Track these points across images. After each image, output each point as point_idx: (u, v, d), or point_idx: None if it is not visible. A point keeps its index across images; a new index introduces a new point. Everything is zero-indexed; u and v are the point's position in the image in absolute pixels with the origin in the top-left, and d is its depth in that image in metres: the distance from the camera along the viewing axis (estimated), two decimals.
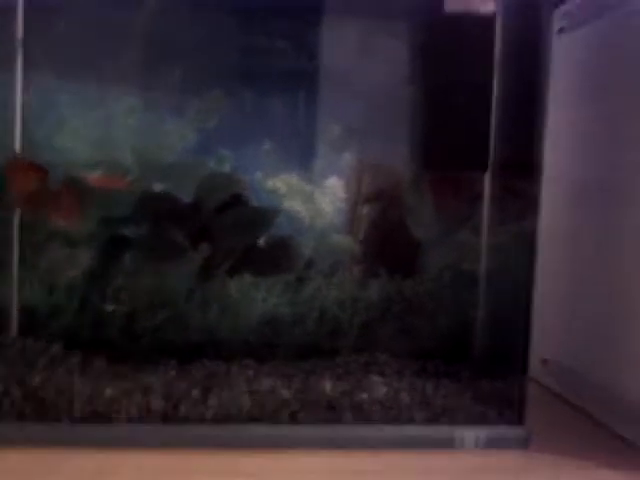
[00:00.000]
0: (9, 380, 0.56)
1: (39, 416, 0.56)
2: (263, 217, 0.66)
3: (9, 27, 0.63)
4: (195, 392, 0.57)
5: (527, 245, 0.58)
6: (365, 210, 0.67)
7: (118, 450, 0.54)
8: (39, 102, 0.64)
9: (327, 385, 0.58)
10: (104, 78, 0.64)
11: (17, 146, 0.64)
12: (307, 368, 0.61)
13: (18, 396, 0.56)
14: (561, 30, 0.74)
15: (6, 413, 0.55)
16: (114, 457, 0.53)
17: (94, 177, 0.65)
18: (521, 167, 0.59)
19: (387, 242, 0.68)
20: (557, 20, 0.74)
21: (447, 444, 0.57)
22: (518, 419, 0.58)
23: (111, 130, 0.65)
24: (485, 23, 0.62)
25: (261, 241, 0.66)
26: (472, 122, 0.64)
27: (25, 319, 0.64)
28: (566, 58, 0.71)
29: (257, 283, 0.65)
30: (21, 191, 0.62)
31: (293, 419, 0.57)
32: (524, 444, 0.57)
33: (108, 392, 0.56)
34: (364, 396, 0.58)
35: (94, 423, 0.56)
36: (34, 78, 0.64)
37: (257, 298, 0.65)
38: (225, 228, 0.65)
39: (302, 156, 0.67)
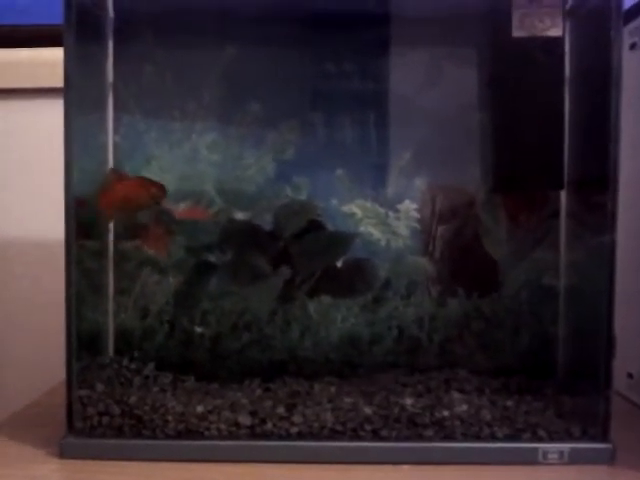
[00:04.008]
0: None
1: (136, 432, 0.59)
2: (340, 241, 0.68)
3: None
4: (280, 409, 0.59)
5: (606, 259, 0.57)
6: (441, 231, 0.68)
7: (208, 463, 0.57)
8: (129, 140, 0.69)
9: (408, 402, 0.59)
10: (186, 116, 0.68)
11: None
12: (388, 385, 0.63)
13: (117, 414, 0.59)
14: (633, 46, 0.74)
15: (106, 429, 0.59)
16: (205, 470, 0.56)
17: (181, 209, 0.69)
18: (597, 183, 0.59)
19: (465, 261, 0.68)
20: (629, 36, 0.74)
21: (530, 459, 0.57)
22: (603, 434, 0.57)
23: (195, 164, 0.69)
24: (555, 43, 0.63)
25: (339, 264, 0.68)
26: (547, 141, 0.64)
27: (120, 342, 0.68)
28: (639, 74, 0.71)
29: (337, 304, 0.67)
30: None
31: (375, 435, 0.58)
32: (609, 459, 0.56)
33: (199, 409, 0.59)
34: (445, 413, 0.59)
35: (186, 439, 0.58)
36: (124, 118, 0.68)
37: (337, 318, 0.67)
38: (304, 252, 0.67)
39: (376, 181, 0.69)
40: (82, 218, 0.60)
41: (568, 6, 0.63)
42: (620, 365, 0.69)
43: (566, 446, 0.57)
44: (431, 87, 0.68)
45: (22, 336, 0.94)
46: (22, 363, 0.92)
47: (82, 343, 0.60)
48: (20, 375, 0.75)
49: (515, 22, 0.62)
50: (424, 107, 0.68)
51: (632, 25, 0.73)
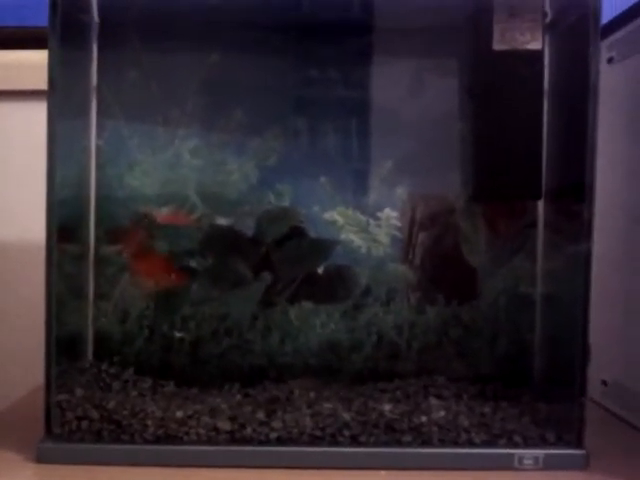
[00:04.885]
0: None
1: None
2: (322, 248, 0.69)
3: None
4: (260, 414, 0.59)
5: (582, 267, 0.58)
6: (421, 239, 0.69)
7: (188, 468, 0.57)
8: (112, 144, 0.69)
9: (386, 407, 0.60)
10: (170, 121, 0.68)
11: (92, 186, 0.69)
12: (366, 391, 0.63)
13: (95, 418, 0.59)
14: (610, 60, 0.75)
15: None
16: (184, 475, 0.56)
17: (163, 214, 0.69)
18: (574, 193, 0.60)
19: (445, 269, 0.69)
20: (606, 50, 0.75)
21: (506, 465, 0.57)
22: (577, 440, 0.58)
23: (178, 170, 0.69)
24: (535, 56, 0.64)
25: (320, 270, 0.68)
26: (526, 152, 0.65)
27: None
28: (616, 87, 0.72)
29: (317, 310, 0.67)
30: None
31: (353, 440, 0.59)
32: (583, 465, 0.57)
33: (178, 414, 0.59)
34: (423, 419, 0.59)
35: (165, 444, 0.58)
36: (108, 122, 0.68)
37: (317, 324, 0.67)
38: (285, 258, 0.68)
39: (358, 188, 0.69)
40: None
41: (548, 20, 0.64)
42: (594, 373, 0.70)
43: (541, 452, 0.57)
44: (413, 97, 0.69)
45: (22, 336, 0.93)
46: (22, 363, 0.91)
47: (61, 347, 0.60)
48: (20, 375, 0.75)
49: (496, 35, 0.63)
50: (406, 117, 0.69)
51: (610, 40, 0.75)
